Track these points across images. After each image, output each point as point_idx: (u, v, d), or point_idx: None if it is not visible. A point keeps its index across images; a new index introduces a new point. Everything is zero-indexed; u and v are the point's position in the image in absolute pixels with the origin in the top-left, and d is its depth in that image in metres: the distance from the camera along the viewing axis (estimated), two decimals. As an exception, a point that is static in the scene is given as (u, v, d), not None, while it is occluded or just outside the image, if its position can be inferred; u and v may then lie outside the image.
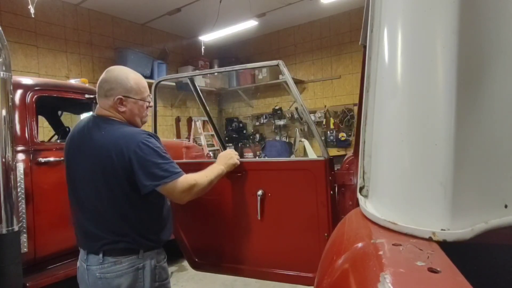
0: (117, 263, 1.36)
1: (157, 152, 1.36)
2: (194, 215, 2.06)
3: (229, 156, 1.75)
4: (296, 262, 1.78)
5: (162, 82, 2.04)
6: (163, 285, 1.49)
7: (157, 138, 1.45)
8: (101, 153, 1.36)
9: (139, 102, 1.48)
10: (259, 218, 1.81)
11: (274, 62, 1.73)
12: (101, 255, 1.36)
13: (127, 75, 1.47)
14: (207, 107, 2.28)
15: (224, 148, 2.02)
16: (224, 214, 1.97)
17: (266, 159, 2.44)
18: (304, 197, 1.76)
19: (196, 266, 2.11)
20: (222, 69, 2.20)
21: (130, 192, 1.37)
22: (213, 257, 2.05)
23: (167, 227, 1.56)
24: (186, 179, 1.41)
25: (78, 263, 1.49)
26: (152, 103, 1.69)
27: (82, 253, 1.45)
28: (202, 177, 1.51)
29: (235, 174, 1.86)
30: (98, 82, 1.47)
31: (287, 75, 1.71)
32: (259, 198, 1.80)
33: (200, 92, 2.17)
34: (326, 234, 1.66)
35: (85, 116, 4.10)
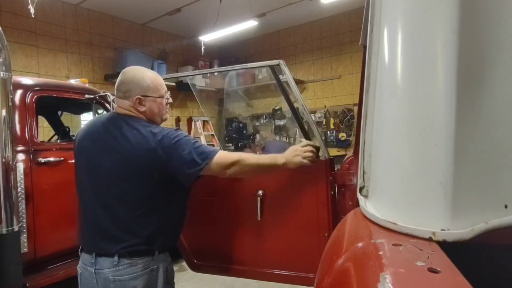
0: (132, 264, 1.33)
1: (188, 141, 1.37)
2: (193, 215, 2.02)
3: (294, 153, 1.52)
4: (296, 262, 1.78)
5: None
6: (171, 286, 1.50)
7: (182, 132, 1.45)
8: (131, 151, 1.34)
9: (157, 100, 1.48)
10: (259, 219, 1.79)
11: (275, 62, 1.71)
12: (116, 257, 1.32)
13: (143, 74, 1.47)
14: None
15: (308, 139, 1.82)
16: (224, 215, 1.95)
17: None
18: (305, 197, 1.75)
19: (195, 268, 2.09)
20: (222, 68, 2.14)
21: (161, 191, 1.38)
22: (212, 258, 2.03)
23: (180, 231, 1.58)
24: (226, 155, 1.41)
25: (79, 269, 1.43)
26: (171, 100, 1.65)
27: (87, 257, 1.38)
28: (251, 157, 1.47)
29: None
30: (116, 84, 1.49)
31: (288, 75, 1.70)
32: (259, 198, 1.78)
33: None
34: (326, 234, 1.66)
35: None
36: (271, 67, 1.80)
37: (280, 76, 1.90)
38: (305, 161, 1.51)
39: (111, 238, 1.35)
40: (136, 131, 1.36)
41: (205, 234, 2.02)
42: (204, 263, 2.05)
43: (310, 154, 1.54)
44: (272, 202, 1.81)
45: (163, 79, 1.61)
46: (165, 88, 1.56)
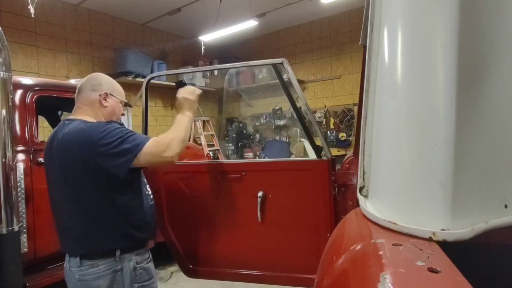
0: (93, 266, 1.36)
1: (119, 131, 1.37)
2: (188, 217, 2.00)
3: (187, 101, 1.63)
4: (298, 264, 1.76)
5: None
6: (144, 286, 1.47)
7: (116, 123, 1.45)
8: (68, 152, 1.37)
9: (119, 103, 1.59)
10: (259, 220, 1.77)
11: (278, 60, 1.70)
12: (78, 258, 1.38)
13: (110, 78, 1.61)
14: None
15: (310, 139, 1.84)
16: (222, 217, 1.91)
17: (267, 159, 2.37)
18: (307, 198, 1.74)
19: (190, 273, 2.03)
20: (224, 66, 2.14)
21: (104, 186, 1.37)
22: (209, 263, 1.97)
23: (149, 226, 1.54)
24: (159, 139, 1.43)
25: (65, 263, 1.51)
26: (135, 106, 1.74)
27: (66, 255, 1.48)
28: (174, 131, 1.51)
29: (234, 175, 1.83)
30: (81, 83, 1.54)
31: (291, 74, 1.69)
32: (259, 199, 1.77)
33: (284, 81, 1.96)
34: (328, 235, 1.65)
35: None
36: (274, 66, 1.78)
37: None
38: (194, 98, 1.65)
39: (73, 239, 1.42)
40: (72, 131, 1.39)
41: (202, 237, 1.98)
42: (200, 268, 2.00)
43: (193, 91, 1.67)
44: (273, 203, 1.78)
45: (156, 76, 1.79)
46: (125, 99, 1.67)
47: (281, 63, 1.70)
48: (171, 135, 1.47)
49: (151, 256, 1.55)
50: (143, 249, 1.51)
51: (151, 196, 1.63)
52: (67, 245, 1.46)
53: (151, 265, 1.53)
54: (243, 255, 1.88)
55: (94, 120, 1.46)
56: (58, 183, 1.42)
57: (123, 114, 1.67)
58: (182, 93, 1.64)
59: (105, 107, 1.52)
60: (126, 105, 1.66)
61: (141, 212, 1.49)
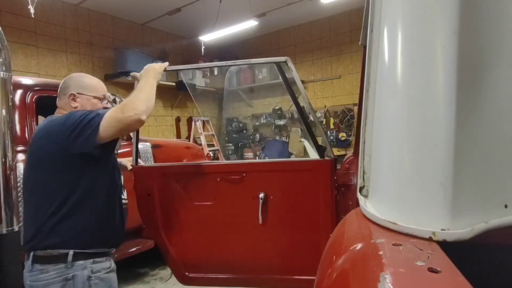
0: (43, 271, 1.27)
1: (80, 113, 1.33)
2: (184, 221, 1.90)
3: (153, 70, 1.55)
4: (301, 265, 1.73)
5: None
6: None
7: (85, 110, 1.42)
8: (36, 145, 1.38)
9: (92, 100, 1.50)
10: (260, 223, 1.73)
11: (282, 58, 1.70)
12: (30, 262, 1.30)
13: (84, 76, 1.56)
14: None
15: (313, 138, 1.83)
16: (221, 220, 1.85)
17: (269, 160, 2.33)
18: (309, 199, 1.71)
19: (186, 281, 1.95)
20: (227, 62, 2.07)
21: (69, 179, 1.32)
22: (207, 269, 1.89)
23: (111, 233, 1.42)
24: (118, 106, 1.34)
25: None
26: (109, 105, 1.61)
27: None
28: (135, 92, 1.40)
29: (234, 176, 1.79)
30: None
31: (294, 72, 1.68)
32: (260, 201, 1.72)
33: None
34: (331, 235, 1.64)
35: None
36: (277, 64, 1.77)
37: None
38: (159, 68, 1.58)
39: (28, 239, 1.33)
40: (43, 125, 1.40)
41: (199, 242, 1.90)
42: (197, 275, 1.92)
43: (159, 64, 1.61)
44: (274, 204, 1.74)
45: (170, 70, 1.73)
46: (106, 94, 1.58)
47: (285, 62, 1.69)
48: (131, 97, 1.36)
49: (113, 265, 1.42)
50: (104, 258, 1.37)
51: (124, 206, 1.55)
52: (23, 243, 1.36)
53: (111, 275, 1.40)
54: (243, 259, 1.84)
55: None
56: (28, 179, 1.40)
57: (104, 107, 1.56)
58: (147, 66, 1.58)
59: (75, 108, 1.47)
60: (112, 99, 1.60)
61: (100, 220, 1.38)
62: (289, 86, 1.83)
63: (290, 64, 1.68)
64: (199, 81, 6.93)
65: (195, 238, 1.90)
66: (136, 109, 1.29)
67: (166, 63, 1.67)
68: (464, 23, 0.61)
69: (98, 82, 1.58)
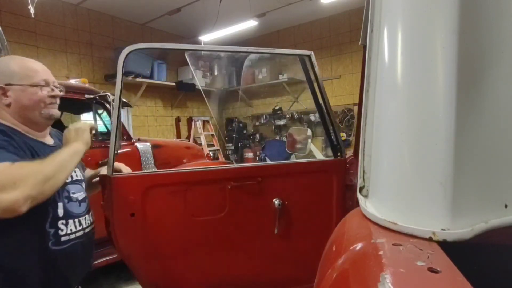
0: None
1: None
2: (185, 244, 1.51)
3: (81, 133, 1.23)
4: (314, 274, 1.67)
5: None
6: None
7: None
8: None
9: (28, 89, 1.15)
10: (276, 232, 1.53)
11: (306, 52, 1.65)
12: None
13: (11, 60, 1.20)
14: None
15: (329, 138, 1.65)
16: (233, 236, 1.56)
17: (284, 161, 2.11)
18: (323, 201, 1.62)
19: None
20: (246, 48, 1.75)
21: None
22: None
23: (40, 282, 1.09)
24: (8, 168, 0.93)
25: None
26: (57, 91, 1.27)
27: None
28: (41, 163, 1.02)
29: (248, 181, 1.55)
30: None
31: (316, 68, 1.66)
32: (277, 208, 1.53)
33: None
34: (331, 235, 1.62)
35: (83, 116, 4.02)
36: (301, 57, 1.70)
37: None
38: (85, 127, 1.26)
39: None
40: None
41: (206, 268, 1.56)
42: None
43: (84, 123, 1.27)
44: (290, 211, 1.57)
45: (139, 48, 1.43)
46: (46, 75, 1.23)
47: (309, 56, 1.65)
48: (32, 167, 0.98)
49: None
50: None
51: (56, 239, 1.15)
52: None
53: None
54: (257, 273, 1.62)
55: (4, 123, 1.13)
56: None
57: (54, 96, 1.23)
58: (71, 126, 1.27)
59: (8, 105, 1.14)
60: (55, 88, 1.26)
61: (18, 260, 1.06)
62: (311, 82, 1.74)
63: (313, 59, 1.64)
64: (199, 81, 6.93)
65: (200, 263, 1.56)
66: (24, 192, 0.91)
67: (92, 123, 1.36)
68: (464, 23, 0.61)
69: (34, 63, 1.24)
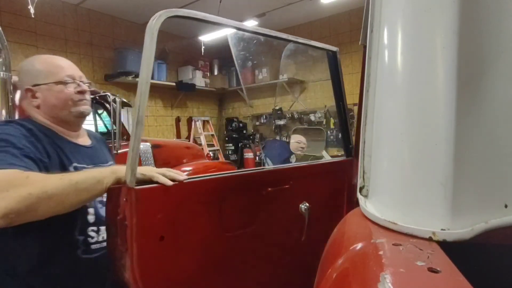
0: None
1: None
2: (217, 267, 1.17)
3: (150, 169, 1.02)
4: None
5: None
6: None
7: (18, 126, 0.98)
8: None
9: (53, 87, 1.08)
10: (303, 239, 1.40)
11: (333, 48, 1.67)
12: None
13: (34, 59, 1.13)
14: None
15: (346, 137, 1.64)
16: (265, 248, 1.34)
17: (309, 162, 1.84)
18: (338, 202, 1.60)
19: None
20: (280, 34, 1.62)
21: None
22: None
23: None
24: (9, 174, 0.82)
25: None
26: (85, 87, 1.17)
27: None
28: (51, 177, 0.87)
29: (282, 185, 1.38)
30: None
31: (339, 65, 1.68)
32: (304, 213, 1.40)
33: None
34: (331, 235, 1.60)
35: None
36: (328, 52, 1.72)
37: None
38: (162, 178, 0.98)
39: None
40: None
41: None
42: None
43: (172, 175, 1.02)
44: (314, 214, 1.44)
45: (173, 15, 1.04)
46: (72, 72, 1.14)
47: (335, 52, 1.68)
48: (36, 178, 0.84)
49: None
50: None
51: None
52: None
53: None
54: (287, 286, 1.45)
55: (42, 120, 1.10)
56: None
57: (81, 92, 1.14)
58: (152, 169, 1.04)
59: (37, 106, 1.09)
60: (81, 83, 1.17)
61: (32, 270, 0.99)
62: (335, 78, 1.73)
63: (338, 56, 1.67)
64: (199, 81, 6.93)
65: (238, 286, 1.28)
66: (11, 205, 0.77)
67: (183, 177, 1.05)
68: (464, 23, 0.61)
69: (59, 59, 1.15)
